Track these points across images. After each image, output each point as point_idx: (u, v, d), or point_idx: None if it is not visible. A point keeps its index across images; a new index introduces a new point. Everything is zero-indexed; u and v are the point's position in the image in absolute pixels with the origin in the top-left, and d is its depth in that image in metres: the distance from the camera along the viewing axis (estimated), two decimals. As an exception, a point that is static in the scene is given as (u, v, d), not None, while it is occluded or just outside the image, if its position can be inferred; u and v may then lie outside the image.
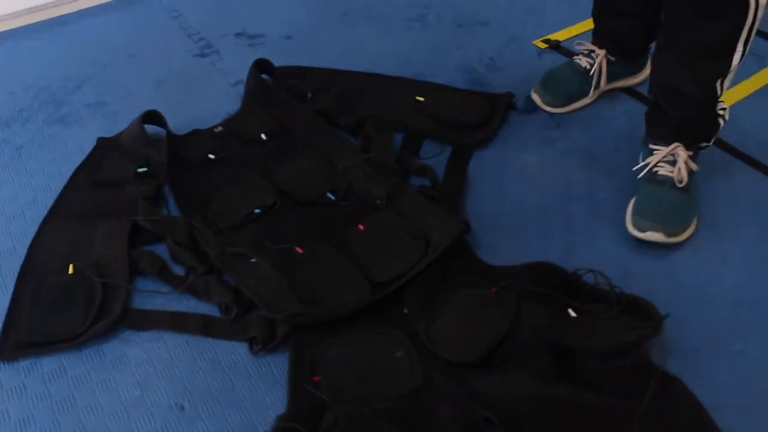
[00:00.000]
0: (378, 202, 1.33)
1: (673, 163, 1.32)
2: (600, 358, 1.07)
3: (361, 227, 1.28)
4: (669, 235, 1.27)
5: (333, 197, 1.36)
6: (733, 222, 1.34)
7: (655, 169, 1.33)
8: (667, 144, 1.33)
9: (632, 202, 1.33)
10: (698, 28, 1.22)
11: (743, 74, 1.69)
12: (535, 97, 1.61)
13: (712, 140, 1.36)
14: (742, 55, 1.23)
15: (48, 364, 1.15)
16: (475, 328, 1.14)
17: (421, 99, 1.58)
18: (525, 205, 1.38)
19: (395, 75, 1.69)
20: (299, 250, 1.24)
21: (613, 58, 1.58)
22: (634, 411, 0.99)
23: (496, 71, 1.73)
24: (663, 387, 1.01)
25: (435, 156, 1.47)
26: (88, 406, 1.09)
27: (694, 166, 1.33)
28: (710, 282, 1.23)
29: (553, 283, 1.18)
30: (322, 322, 1.14)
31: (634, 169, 1.36)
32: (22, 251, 1.31)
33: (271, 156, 1.47)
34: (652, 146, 1.35)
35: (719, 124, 1.34)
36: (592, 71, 1.57)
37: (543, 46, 1.80)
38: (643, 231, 1.27)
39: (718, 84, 1.26)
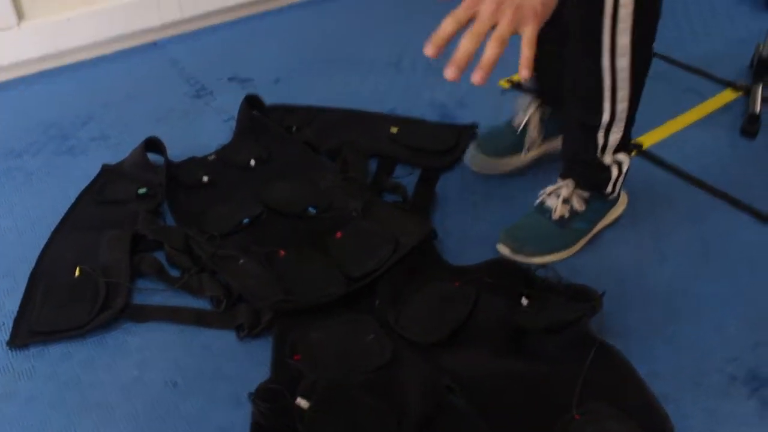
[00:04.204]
0: (354, 214, 1.49)
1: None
2: (547, 334, 1.22)
3: (339, 235, 1.44)
4: (514, 251, 1.41)
5: (314, 211, 1.52)
6: (672, 225, 1.52)
7: (545, 198, 1.46)
8: (563, 179, 1.44)
9: None
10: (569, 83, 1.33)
11: (685, 107, 1.92)
12: (471, 153, 1.64)
13: (613, 188, 1.42)
14: (611, 114, 1.30)
15: (55, 350, 1.27)
16: (439, 314, 1.28)
17: (395, 130, 1.76)
18: (489, 219, 1.54)
19: (372, 111, 1.88)
20: (282, 253, 1.39)
21: (547, 112, 1.60)
22: (578, 377, 1.13)
23: (464, 107, 1.91)
24: (602, 355, 1.16)
25: (406, 176, 1.64)
26: (91, 384, 1.21)
27: (579, 206, 1.42)
28: (649, 275, 1.39)
29: (508, 276, 1.34)
30: (302, 311, 1.29)
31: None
32: (33, 258, 1.45)
33: (259, 179, 1.64)
34: (558, 179, 1.46)
35: (611, 174, 1.39)
36: (521, 126, 1.60)
37: (506, 85, 1.99)
38: (498, 243, 1.43)
39: (600, 135, 1.34)
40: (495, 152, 1.62)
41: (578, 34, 1.25)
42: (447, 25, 0.87)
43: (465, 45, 0.86)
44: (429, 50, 0.86)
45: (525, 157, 1.63)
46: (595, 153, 1.37)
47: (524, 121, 1.58)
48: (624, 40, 1.20)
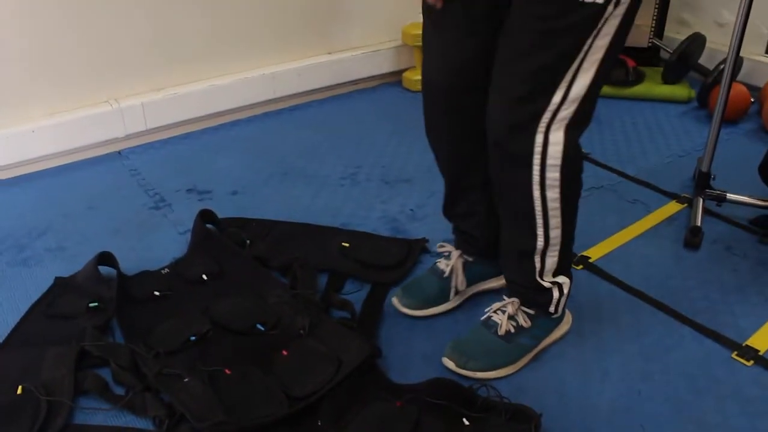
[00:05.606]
0: (301, 331, 1.51)
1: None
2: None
3: (284, 353, 1.45)
4: (459, 366, 1.43)
5: (262, 328, 1.53)
6: (615, 340, 1.55)
7: (492, 314, 1.49)
8: (509, 297, 1.49)
9: None
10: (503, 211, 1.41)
11: (632, 219, 1.99)
12: (395, 301, 1.61)
13: (556, 308, 1.46)
14: (545, 240, 1.35)
15: (-10, 474, 1.26)
16: (379, 438, 1.29)
17: (346, 245, 1.81)
18: (434, 334, 1.56)
19: (325, 225, 1.93)
20: (228, 371, 1.40)
21: (470, 259, 1.61)
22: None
23: (416, 221, 1.97)
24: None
25: (355, 292, 1.67)
26: None
27: (524, 322, 1.46)
28: (592, 393, 1.41)
29: (450, 396, 1.35)
30: (243, 431, 1.29)
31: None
32: (-23, 376, 1.44)
33: (210, 294, 1.66)
34: (504, 296, 1.50)
35: (552, 295, 1.44)
36: (446, 274, 1.59)
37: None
38: (443, 356, 1.46)
39: (536, 259, 1.38)
40: (422, 302, 1.60)
41: (508, 167, 1.31)
42: None
43: None
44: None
45: (451, 304, 1.62)
46: (534, 276, 1.41)
47: (448, 271, 1.59)
48: (553, 174, 1.27)
